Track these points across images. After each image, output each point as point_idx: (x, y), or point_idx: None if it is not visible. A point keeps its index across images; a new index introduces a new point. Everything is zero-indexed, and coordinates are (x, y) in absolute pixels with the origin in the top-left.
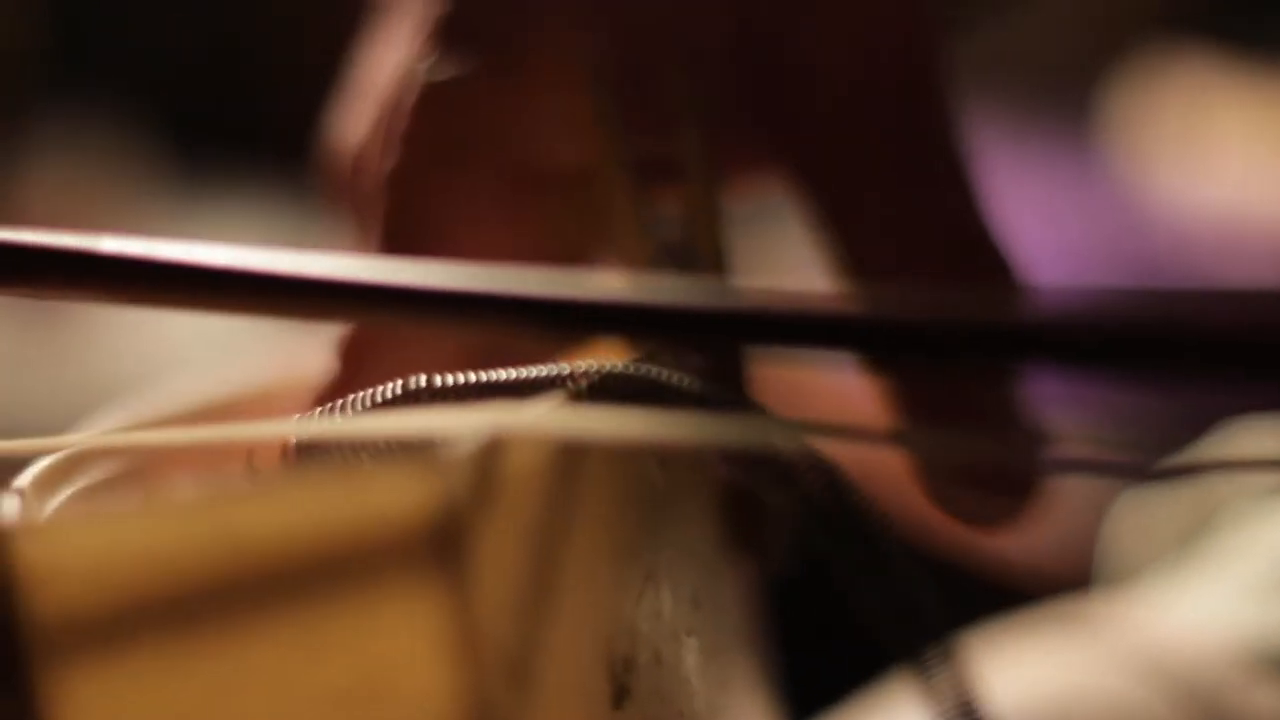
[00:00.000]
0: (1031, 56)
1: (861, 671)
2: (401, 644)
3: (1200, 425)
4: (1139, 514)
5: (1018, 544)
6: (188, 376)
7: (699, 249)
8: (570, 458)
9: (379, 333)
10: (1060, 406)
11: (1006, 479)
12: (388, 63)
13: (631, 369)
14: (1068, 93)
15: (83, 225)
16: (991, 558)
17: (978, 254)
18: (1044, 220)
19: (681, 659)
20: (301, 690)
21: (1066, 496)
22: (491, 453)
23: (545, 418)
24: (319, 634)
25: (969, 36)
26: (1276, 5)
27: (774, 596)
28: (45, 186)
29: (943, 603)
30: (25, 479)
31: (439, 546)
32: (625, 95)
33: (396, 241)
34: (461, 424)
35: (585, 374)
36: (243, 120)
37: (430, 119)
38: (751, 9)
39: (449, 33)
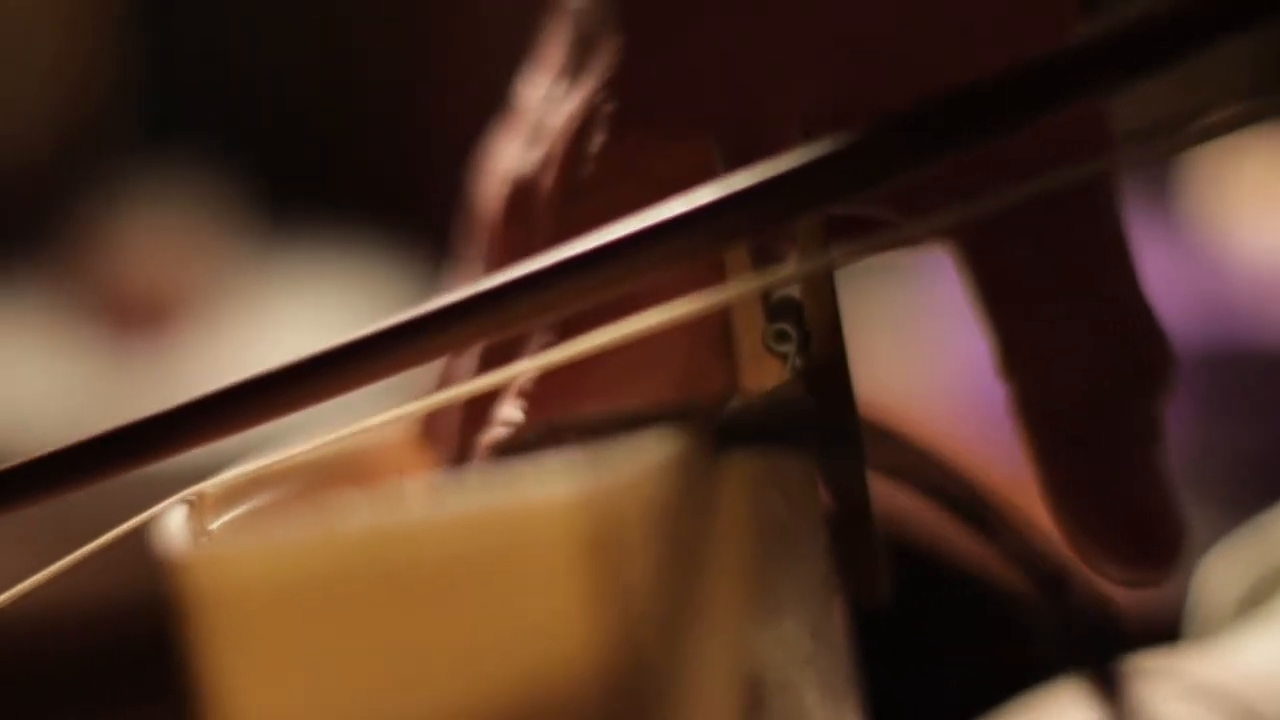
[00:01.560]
0: (1134, 114)
1: (942, 704)
2: (561, 652)
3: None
4: (1231, 564)
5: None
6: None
7: (812, 314)
8: (706, 480)
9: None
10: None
11: (1155, 535)
12: (556, 99)
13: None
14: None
15: (175, 279)
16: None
17: (1139, 330)
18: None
19: (805, 688)
20: (467, 703)
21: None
22: (642, 466)
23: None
24: (482, 648)
25: None
26: None
27: (866, 629)
28: (138, 239)
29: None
30: (192, 499)
31: (595, 556)
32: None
33: (537, 394)
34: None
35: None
36: (335, 174)
37: (617, 168)
38: (907, 71)
39: (634, 83)
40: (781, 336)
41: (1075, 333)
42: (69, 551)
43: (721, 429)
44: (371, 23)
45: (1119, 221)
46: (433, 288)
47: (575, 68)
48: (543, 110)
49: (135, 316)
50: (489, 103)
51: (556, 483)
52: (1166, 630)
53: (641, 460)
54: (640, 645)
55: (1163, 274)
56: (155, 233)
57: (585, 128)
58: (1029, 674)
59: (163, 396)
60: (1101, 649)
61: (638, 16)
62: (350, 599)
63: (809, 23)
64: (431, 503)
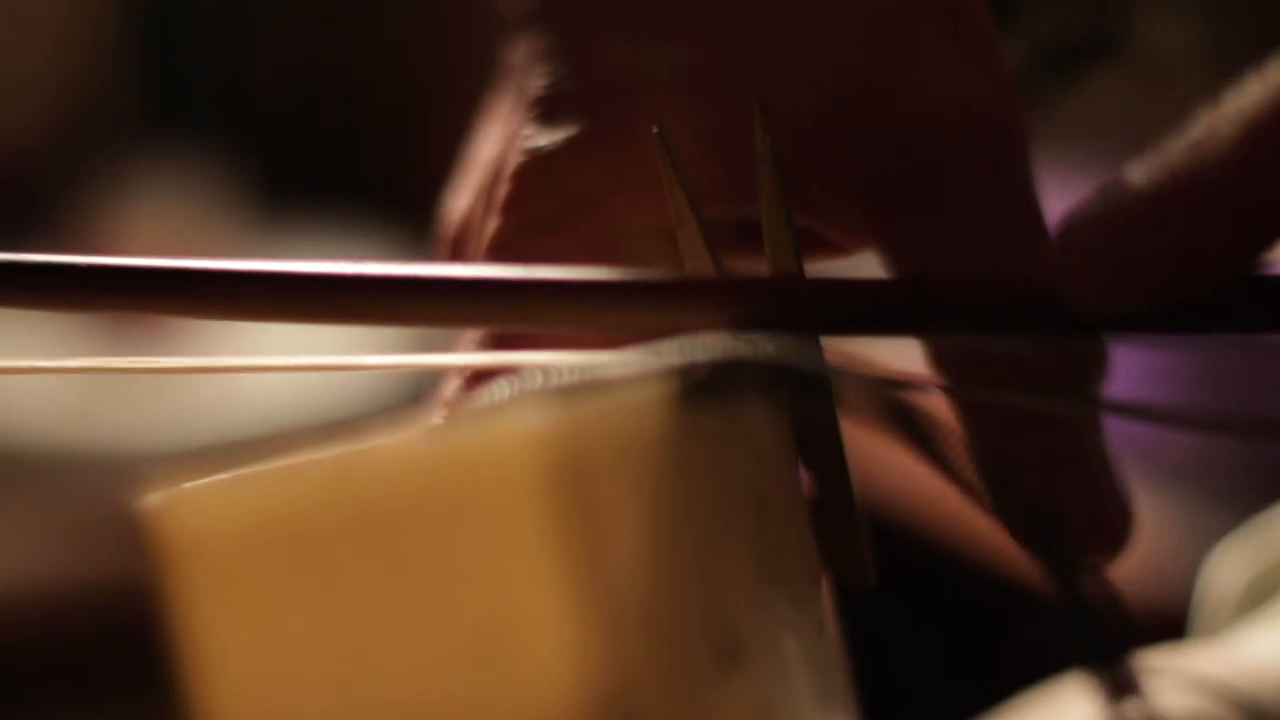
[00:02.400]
0: (1118, 115)
1: (922, 689)
2: (529, 586)
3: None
4: (1235, 559)
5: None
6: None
7: None
8: (688, 433)
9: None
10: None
11: (1098, 524)
12: (494, 134)
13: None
14: (1137, 153)
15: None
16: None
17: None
18: None
19: (787, 654)
20: (435, 635)
21: (1164, 543)
22: (614, 402)
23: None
24: (449, 580)
25: (1059, 103)
26: None
27: (850, 611)
28: (138, 227)
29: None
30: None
31: (565, 489)
32: (710, 164)
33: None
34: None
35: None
36: (335, 163)
37: (530, 185)
38: (847, 79)
39: (549, 105)
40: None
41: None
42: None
43: (693, 383)
44: (374, 9)
45: (1038, 209)
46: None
47: (510, 110)
48: (477, 153)
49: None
50: (479, 90)
51: (523, 417)
52: (1173, 626)
53: (613, 401)
54: (609, 584)
55: None
56: (156, 221)
57: (507, 155)
58: (1027, 665)
59: (162, 386)
60: (1106, 638)
61: (559, 44)
62: (317, 537)
63: (725, 39)
64: (397, 438)
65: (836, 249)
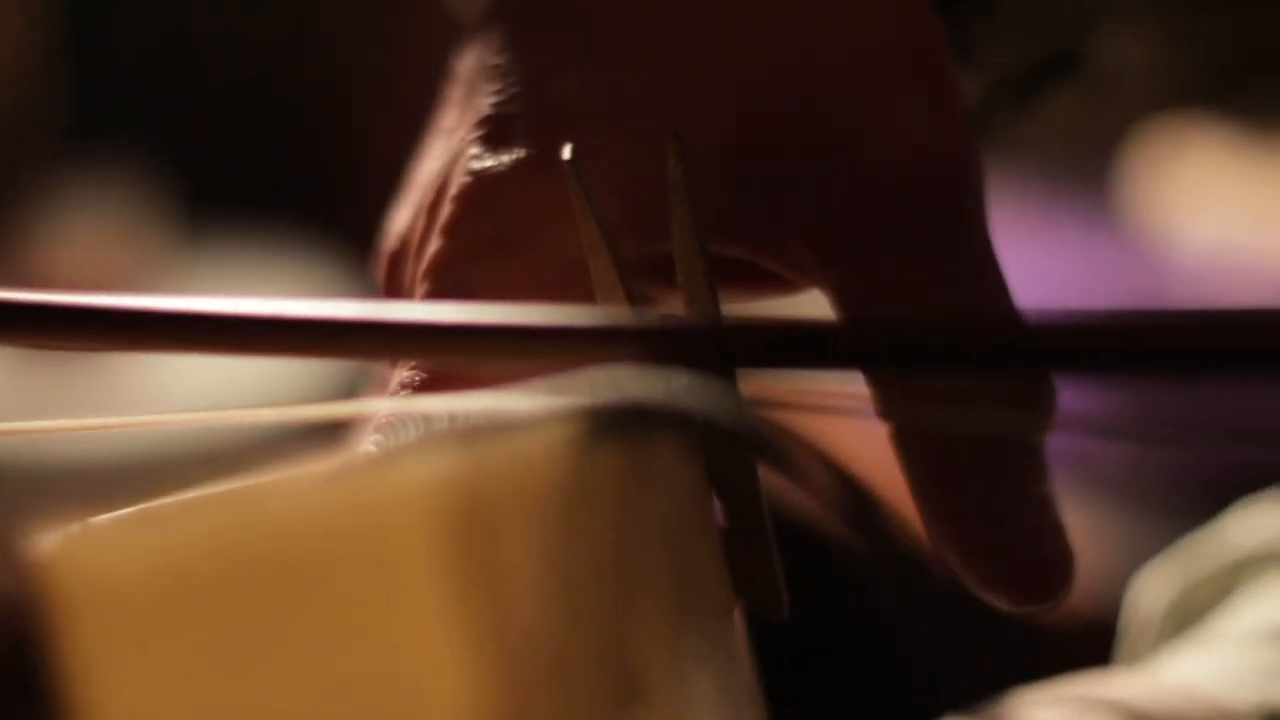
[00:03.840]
0: (1075, 130)
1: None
2: (426, 635)
3: (1213, 495)
4: (1159, 580)
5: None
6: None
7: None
8: (593, 475)
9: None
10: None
11: (1040, 570)
12: (436, 156)
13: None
14: (1105, 161)
15: (98, 282)
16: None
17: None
18: (1073, 266)
19: (695, 690)
20: (332, 683)
21: (1096, 554)
22: (516, 445)
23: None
24: (347, 627)
25: (1007, 120)
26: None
27: (762, 640)
28: (61, 244)
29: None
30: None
31: (464, 535)
32: (649, 198)
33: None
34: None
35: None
36: (262, 174)
37: (473, 208)
38: (801, 117)
39: (497, 126)
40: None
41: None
42: None
43: (606, 419)
44: (308, 16)
45: (991, 255)
46: (359, 286)
47: (455, 126)
48: (421, 169)
49: None
50: (420, 102)
51: (422, 463)
52: (1104, 639)
53: (517, 444)
54: (507, 631)
55: (1100, 270)
56: (83, 233)
57: (451, 174)
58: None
59: (91, 397)
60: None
61: (509, 64)
62: (212, 581)
63: (679, 74)
64: (296, 482)
65: (785, 285)
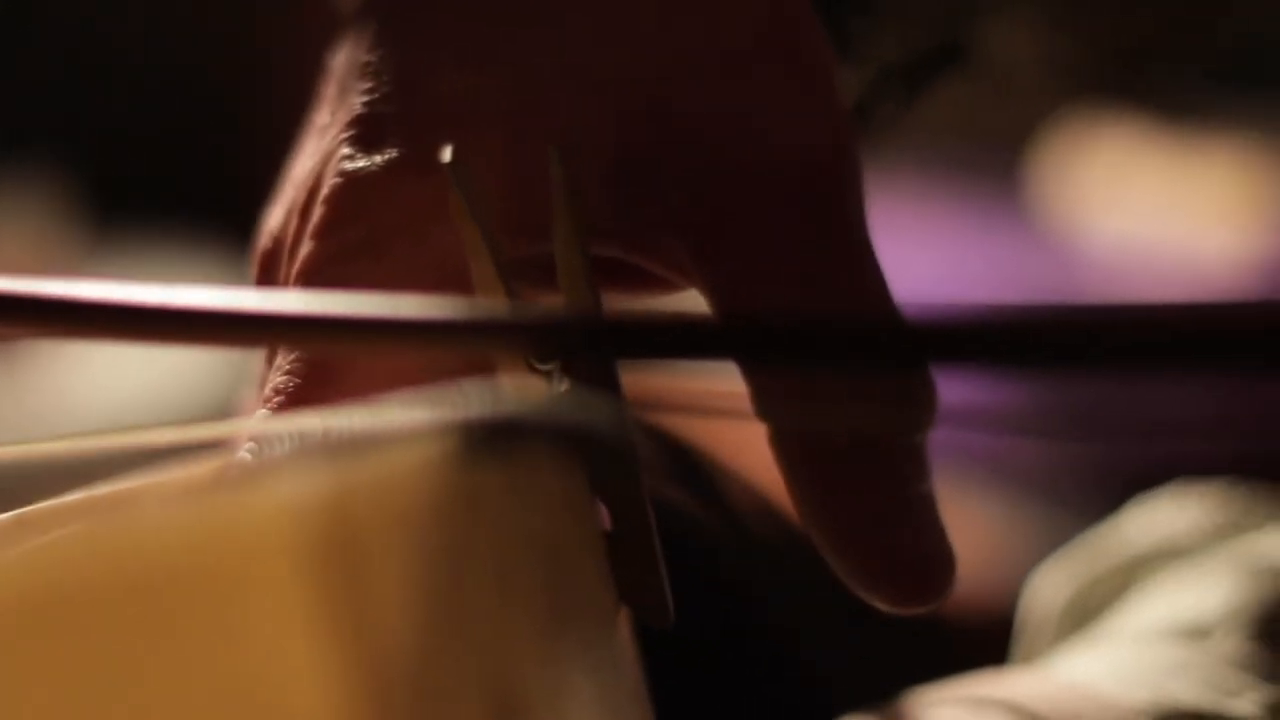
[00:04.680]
0: (968, 122)
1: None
2: (293, 658)
3: (1122, 490)
4: (1057, 581)
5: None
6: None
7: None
8: (466, 492)
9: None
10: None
11: (921, 571)
12: (309, 155)
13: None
14: (1002, 152)
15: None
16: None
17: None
18: (978, 261)
19: (579, 705)
20: (202, 709)
21: (1004, 549)
22: (386, 462)
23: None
24: (215, 653)
25: (908, 109)
26: (1186, 71)
27: (650, 650)
28: None
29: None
30: None
31: (330, 557)
32: (526, 198)
33: (302, 368)
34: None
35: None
36: (168, 178)
37: (345, 210)
38: (674, 115)
39: (369, 126)
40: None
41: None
42: None
43: (481, 434)
44: (210, 20)
45: (869, 250)
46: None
47: (328, 124)
48: (295, 167)
49: None
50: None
51: (288, 484)
52: (997, 644)
53: (387, 462)
54: (376, 654)
55: (1010, 263)
56: None
57: (323, 173)
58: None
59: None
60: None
61: (382, 62)
62: (79, 612)
63: (551, 71)
64: (160, 507)
65: (664, 284)
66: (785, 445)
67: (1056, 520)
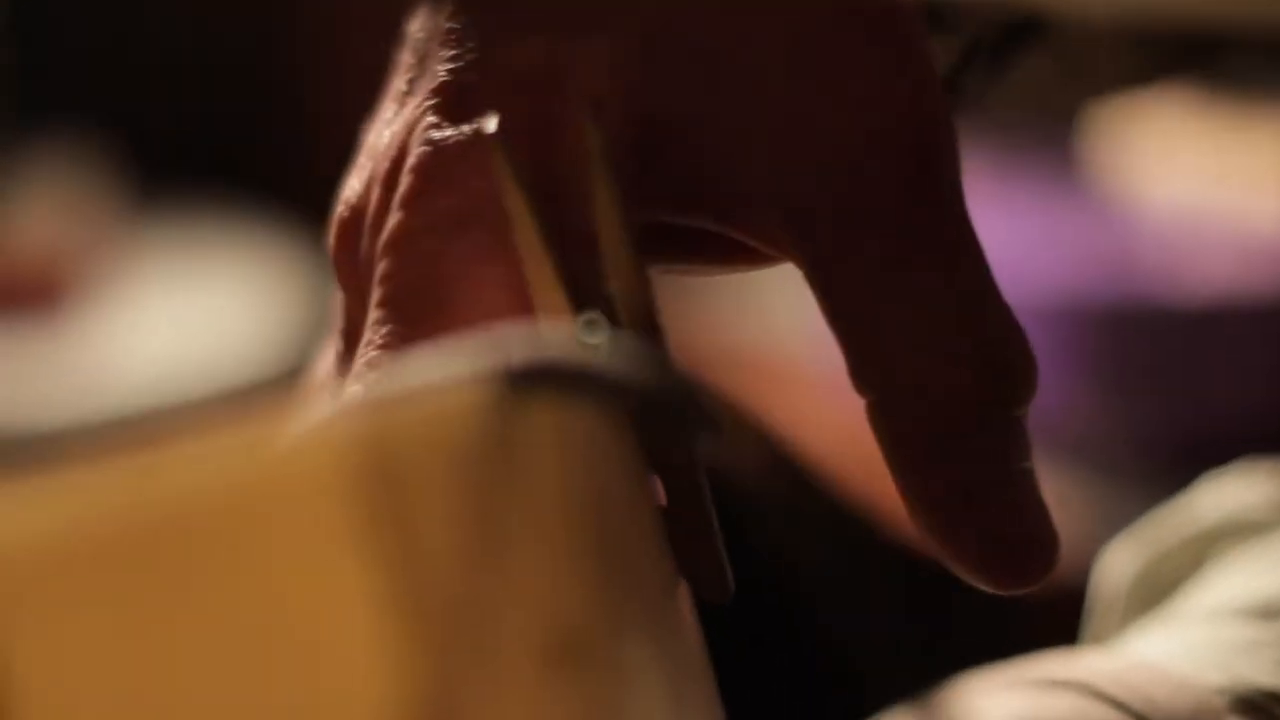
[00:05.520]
0: (1043, 95)
1: (792, 699)
2: (338, 591)
3: (1188, 465)
4: (1126, 559)
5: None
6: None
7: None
8: (511, 435)
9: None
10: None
11: (1024, 550)
12: (389, 122)
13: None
14: (1061, 128)
15: (57, 258)
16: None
17: (997, 334)
18: (1038, 230)
19: (636, 660)
20: (243, 644)
21: (1065, 524)
22: (429, 406)
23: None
24: (257, 586)
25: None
26: (1236, 53)
27: (709, 622)
28: (18, 219)
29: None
30: None
31: (374, 489)
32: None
33: (396, 306)
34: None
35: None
36: (214, 146)
37: (434, 180)
38: (770, 88)
39: (456, 94)
40: (591, 325)
41: (930, 341)
42: None
43: (526, 380)
44: None
45: (966, 220)
46: (313, 256)
47: (408, 92)
48: (374, 136)
49: (14, 295)
50: (374, 71)
51: (332, 421)
52: (1072, 610)
53: (432, 402)
54: (423, 585)
55: (1067, 233)
56: (33, 211)
57: (407, 143)
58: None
59: (48, 376)
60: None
61: (466, 29)
62: (118, 547)
63: (645, 41)
64: (200, 447)
65: (754, 257)
66: (884, 420)
67: (1123, 496)
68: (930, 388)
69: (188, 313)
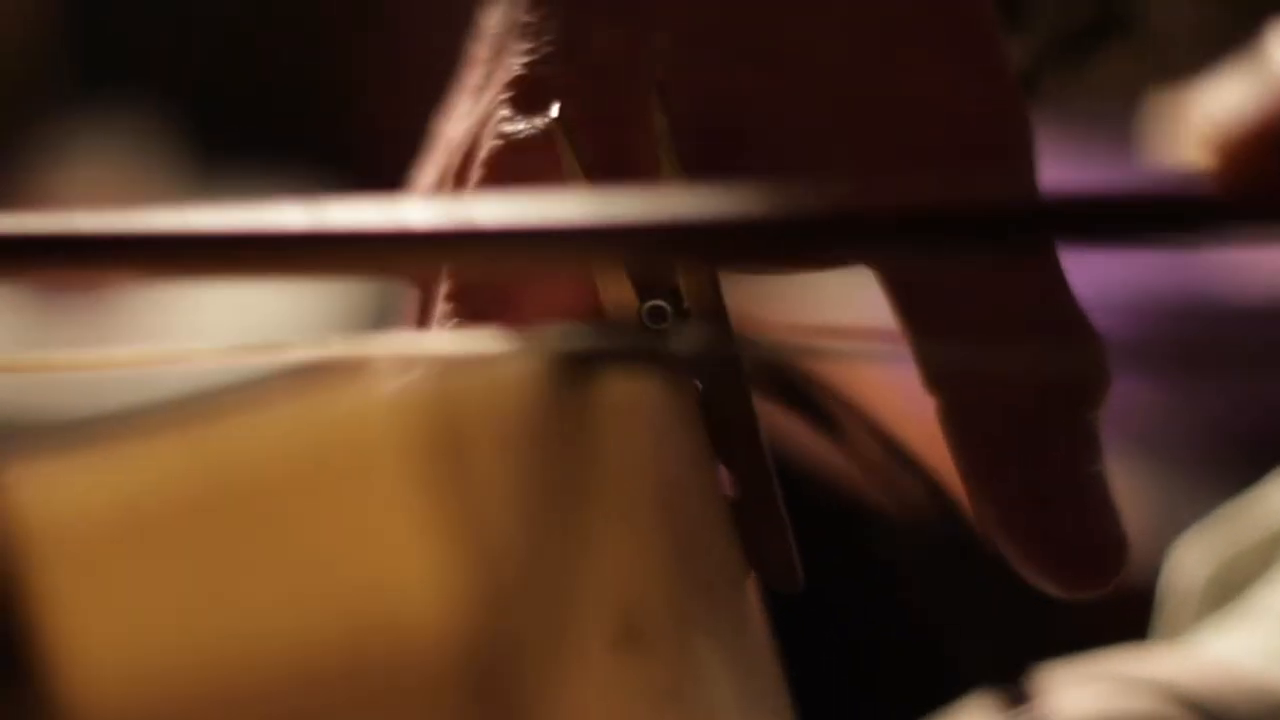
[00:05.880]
0: (1126, 91)
1: (860, 688)
2: (401, 548)
3: (1258, 458)
4: (1198, 556)
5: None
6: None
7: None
8: (575, 404)
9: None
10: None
11: (1094, 553)
12: (463, 116)
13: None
14: (1132, 123)
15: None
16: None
17: (1069, 337)
18: None
19: (701, 649)
20: (308, 602)
21: (1130, 517)
22: (491, 373)
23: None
24: (321, 544)
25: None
26: None
27: (778, 612)
28: (73, 190)
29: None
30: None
31: (438, 448)
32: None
33: (463, 298)
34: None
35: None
36: (271, 118)
37: (505, 174)
38: (843, 81)
39: (529, 87)
40: (657, 314)
41: (1002, 342)
42: None
43: (590, 356)
44: None
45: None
46: None
47: (483, 85)
48: (448, 129)
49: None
50: (431, 43)
51: (393, 385)
52: (1140, 603)
53: (497, 370)
54: (486, 548)
55: None
56: (90, 186)
57: (480, 136)
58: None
59: (100, 340)
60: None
61: (541, 22)
62: (182, 509)
63: (720, 32)
64: (261, 410)
65: (827, 259)
66: (953, 420)
67: (1191, 491)
68: (1001, 391)
69: (242, 290)
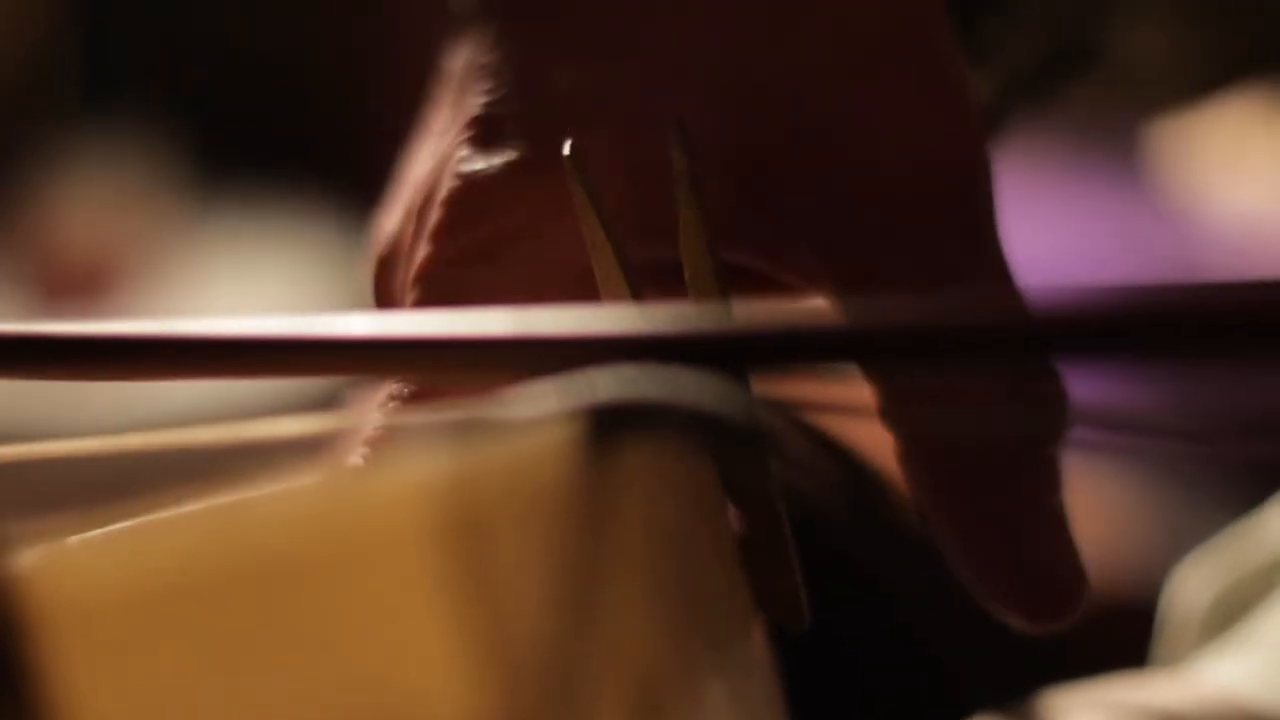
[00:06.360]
0: (1086, 124)
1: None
2: (420, 641)
3: (1261, 479)
4: (1198, 580)
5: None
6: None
7: None
8: (594, 477)
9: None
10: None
11: (1055, 586)
12: (425, 155)
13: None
14: (1121, 140)
15: (113, 243)
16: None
17: (1029, 368)
18: (1103, 237)
19: (711, 699)
20: (325, 693)
21: (1134, 534)
22: (511, 447)
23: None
24: (339, 635)
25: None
26: None
27: (784, 651)
28: (75, 204)
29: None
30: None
31: (458, 539)
32: (650, 198)
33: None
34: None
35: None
36: (273, 135)
37: (464, 213)
38: (806, 119)
39: (488, 127)
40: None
41: (959, 378)
42: None
43: (601, 427)
44: None
45: (1001, 257)
46: (364, 248)
47: (446, 127)
48: (411, 169)
49: (73, 282)
50: (432, 61)
51: (413, 466)
52: (1142, 623)
53: (514, 445)
54: (507, 637)
55: (1133, 240)
56: (93, 198)
57: (440, 176)
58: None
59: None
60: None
61: (500, 63)
62: (200, 594)
63: (679, 71)
64: (279, 496)
65: (786, 290)
66: (912, 456)
67: (1192, 510)
68: (959, 424)
69: (246, 302)
